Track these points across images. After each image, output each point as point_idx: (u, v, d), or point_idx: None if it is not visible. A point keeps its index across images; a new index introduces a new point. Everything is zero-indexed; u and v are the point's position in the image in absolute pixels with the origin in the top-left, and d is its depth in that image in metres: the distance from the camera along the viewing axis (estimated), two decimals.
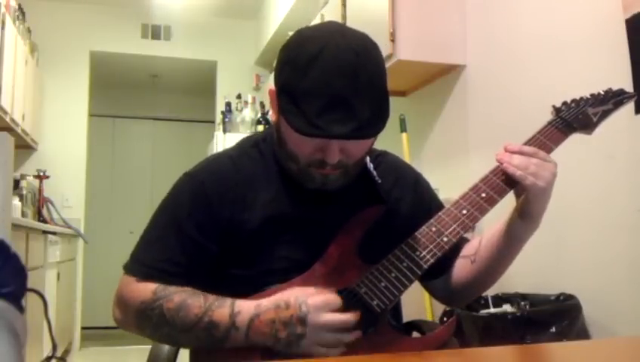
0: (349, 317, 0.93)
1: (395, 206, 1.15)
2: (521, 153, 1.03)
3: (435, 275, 1.17)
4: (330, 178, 1.03)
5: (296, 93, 0.95)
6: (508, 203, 1.06)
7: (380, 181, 1.15)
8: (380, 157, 1.22)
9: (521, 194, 1.04)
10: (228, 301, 0.98)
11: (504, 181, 1.04)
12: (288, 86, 0.97)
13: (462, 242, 1.19)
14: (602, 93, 1.16)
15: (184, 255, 1.05)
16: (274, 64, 4.23)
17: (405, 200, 1.18)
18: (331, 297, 0.94)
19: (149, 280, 1.03)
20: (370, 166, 1.16)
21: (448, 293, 1.20)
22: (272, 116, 1.08)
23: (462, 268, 1.16)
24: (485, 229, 1.17)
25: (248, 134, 4.23)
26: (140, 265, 1.06)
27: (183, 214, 1.07)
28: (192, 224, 1.06)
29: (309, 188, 1.06)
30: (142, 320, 1.02)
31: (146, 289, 1.02)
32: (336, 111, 0.93)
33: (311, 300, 0.93)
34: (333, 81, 0.93)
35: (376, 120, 0.96)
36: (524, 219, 1.05)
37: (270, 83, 5.06)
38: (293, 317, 0.92)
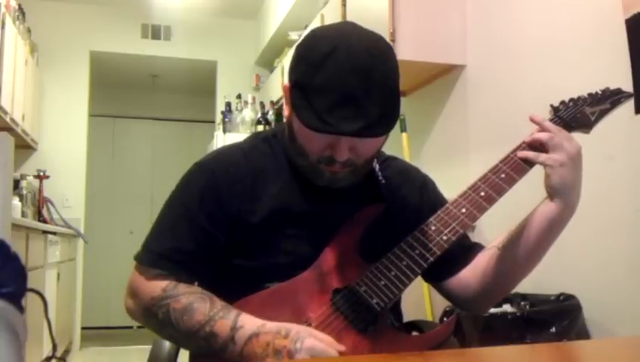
0: None
1: (401, 207, 1.15)
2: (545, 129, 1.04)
3: (444, 276, 1.16)
4: (339, 176, 1.04)
5: (308, 89, 0.96)
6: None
7: (383, 181, 1.16)
8: (388, 161, 1.23)
9: (548, 175, 1.02)
10: (233, 313, 0.97)
11: (503, 180, 1.04)
12: (301, 81, 0.98)
13: (475, 245, 1.18)
14: (600, 92, 1.17)
15: (194, 244, 1.05)
16: (274, 63, 4.22)
17: (411, 202, 1.18)
18: (330, 348, 0.91)
19: (158, 267, 1.04)
20: (376, 166, 1.17)
21: (472, 292, 1.14)
22: (285, 111, 1.09)
23: (488, 260, 1.12)
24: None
25: (248, 134, 4.24)
26: (151, 253, 1.07)
27: (193, 204, 1.08)
28: (202, 213, 1.07)
29: (318, 185, 1.07)
30: (149, 316, 1.03)
31: (156, 286, 1.02)
32: (346, 109, 0.94)
33: (308, 341, 0.91)
34: (345, 78, 0.94)
35: (386, 120, 0.97)
36: (553, 197, 1.03)
37: (272, 81, 5.05)
38: (285, 348, 0.91)
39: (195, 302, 0.99)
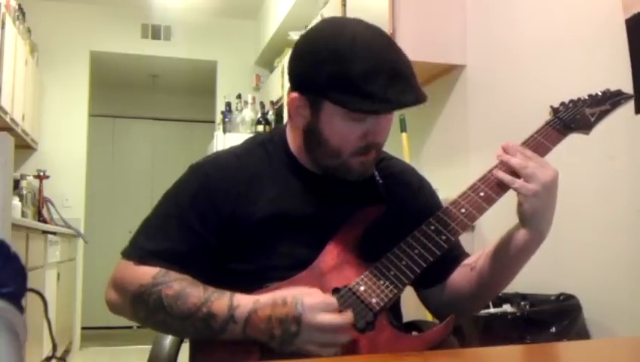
0: (343, 319, 0.93)
1: (398, 209, 1.15)
2: (522, 154, 1.03)
3: (431, 283, 1.17)
4: (367, 165, 1.08)
5: (353, 79, 0.98)
6: (513, 207, 1.05)
7: (381, 181, 1.16)
8: (385, 161, 1.23)
9: (521, 203, 1.02)
10: (227, 294, 0.98)
11: (500, 182, 1.04)
12: (339, 76, 0.98)
13: (462, 255, 1.18)
14: (600, 93, 1.16)
15: (185, 244, 1.06)
16: (274, 63, 4.17)
17: (409, 204, 1.18)
18: (328, 299, 0.95)
19: (148, 264, 1.04)
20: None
21: (444, 305, 1.17)
22: (296, 121, 1.08)
23: (461, 277, 1.14)
24: (485, 230, 1.17)
25: (248, 134, 4.25)
26: (140, 251, 1.06)
27: (186, 204, 1.08)
28: (194, 215, 1.07)
29: (348, 180, 1.09)
30: (138, 304, 1.02)
31: (145, 274, 1.02)
32: (398, 84, 0.98)
33: (307, 300, 0.93)
34: (384, 58, 0.99)
35: (420, 87, 1.02)
36: (525, 226, 1.03)
37: (272, 81, 5.05)
38: (289, 315, 0.92)
39: (187, 287, 0.99)
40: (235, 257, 1.07)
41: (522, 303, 1.93)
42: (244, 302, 0.96)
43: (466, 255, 1.19)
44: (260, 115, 4.59)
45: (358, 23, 1.05)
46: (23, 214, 3.80)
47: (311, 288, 0.97)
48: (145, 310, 1.02)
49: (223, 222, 1.07)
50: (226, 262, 1.08)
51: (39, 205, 4.38)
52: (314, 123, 1.05)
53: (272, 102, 4.74)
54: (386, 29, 2.54)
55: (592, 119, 1.13)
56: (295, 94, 1.05)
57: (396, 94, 0.97)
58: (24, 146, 4.61)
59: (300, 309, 0.92)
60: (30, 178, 4.32)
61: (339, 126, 1.03)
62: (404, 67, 1.00)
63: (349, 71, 0.97)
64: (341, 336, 0.93)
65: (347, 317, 0.93)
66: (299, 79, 1.06)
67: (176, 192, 1.12)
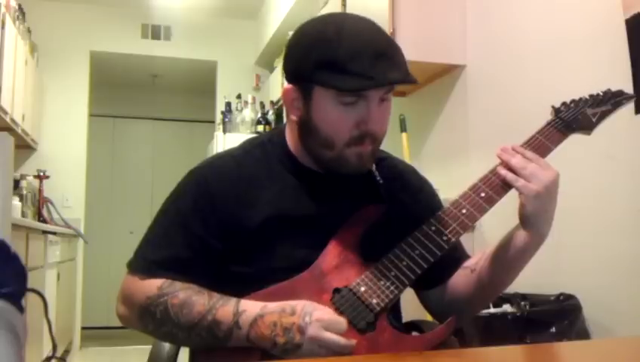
0: (346, 343, 0.92)
1: (399, 209, 1.14)
2: (523, 155, 1.03)
3: (432, 284, 1.16)
4: (365, 157, 1.05)
5: (339, 60, 0.98)
6: (513, 208, 1.05)
7: (381, 181, 1.16)
8: (386, 161, 1.22)
9: (523, 205, 1.02)
10: (233, 300, 0.98)
11: (503, 181, 1.04)
12: (326, 59, 0.99)
13: (463, 256, 1.18)
14: (601, 93, 1.16)
15: (189, 251, 1.05)
16: (274, 63, 4.17)
17: (409, 204, 1.17)
18: (338, 318, 0.95)
19: (154, 276, 1.03)
20: (373, 166, 1.16)
21: (444, 307, 1.17)
22: (292, 113, 1.08)
23: (461, 279, 1.14)
24: (486, 231, 1.17)
25: (248, 134, 4.25)
26: (145, 261, 1.06)
27: (187, 211, 1.08)
28: (197, 220, 1.06)
29: (343, 174, 1.07)
30: (146, 316, 1.02)
31: (151, 285, 1.02)
32: (383, 62, 0.98)
33: (316, 314, 0.93)
34: (370, 39, 1.00)
35: (408, 70, 1.02)
36: (525, 227, 1.03)
37: (272, 81, 5.05)
38: (295, 324, 0.92)
39: (193, 295, 0.99)
40: (237, 260, 1.07)
41: (522, 303, 1.93)
42: (252, 307, 0.96)
43: (467, 257, 1.19)
44: (260, 115, 4.59)
45: (350, 14, 1.06)
46: (23, 214, 3.80)
47: (325, 307, 0.96)
48: (152, 322, 1.02)
49: (224, 226, 1.06)
50: (228, 266, 1.07)
51: (39, 205, 4.38)
52: (307, 113, 1.05)
53: (272, 102, 4.74)
54: (386, 29, 2.53)
55: (594, 119, 1.12)
56: (288, 86, 1.06)
57: (381, 72, 0.97)
58: (24, 146, 4.61)
59: (307, 320, 0.92)
60: (30, 178, 4.31)
61: (330, 112, 1.02)
62: (391, 49, 1.01)
63: (335, 53, 0.98)
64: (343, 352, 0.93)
65: (352, 343, 0.93)
66: (290, 70, 1.07)
67: (177, 199, 1.11)
